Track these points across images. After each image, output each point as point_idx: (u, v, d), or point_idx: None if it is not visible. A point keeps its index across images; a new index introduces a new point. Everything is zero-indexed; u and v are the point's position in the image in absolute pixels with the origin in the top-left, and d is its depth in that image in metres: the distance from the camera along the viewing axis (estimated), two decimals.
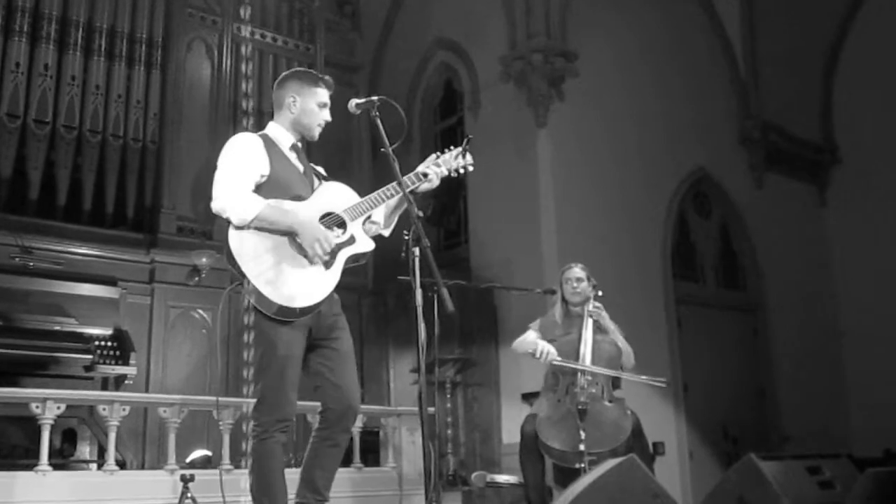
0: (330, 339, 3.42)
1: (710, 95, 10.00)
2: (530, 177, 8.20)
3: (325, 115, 3.55)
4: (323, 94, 3.55)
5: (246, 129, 7.19)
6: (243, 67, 7.47)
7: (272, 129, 3.57)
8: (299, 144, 3.59)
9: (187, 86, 7.23)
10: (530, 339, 5.05)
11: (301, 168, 3.53)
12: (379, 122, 3.39)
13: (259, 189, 3.36)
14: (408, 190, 3.40)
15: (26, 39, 6.47)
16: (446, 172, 3.56)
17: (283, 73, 3.67)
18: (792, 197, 10.85)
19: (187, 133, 7.11)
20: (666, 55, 9.40)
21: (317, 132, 3.56)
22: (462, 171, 3.63)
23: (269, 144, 3.47)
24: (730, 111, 10.28)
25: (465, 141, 3.64)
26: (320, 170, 3.69)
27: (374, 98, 3.44)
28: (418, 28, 9.85)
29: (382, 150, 3.32)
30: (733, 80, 10.32)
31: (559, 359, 4.85)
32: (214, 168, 3.40)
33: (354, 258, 3.42)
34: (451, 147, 3.66)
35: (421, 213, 3.44)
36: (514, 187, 8.29)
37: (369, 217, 3.53)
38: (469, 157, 3.63)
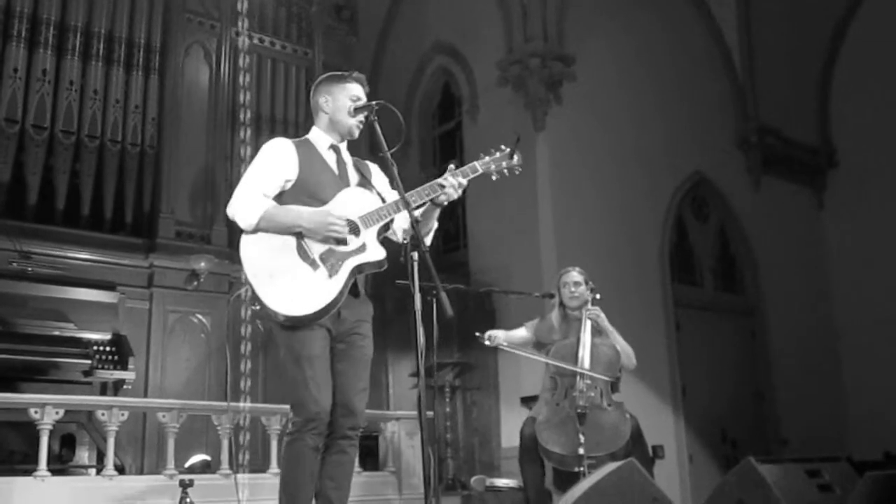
0: (345, 344, 3.41)
1: (708, 99, 10.02)
2: (528, 180, 8.20)
3: None
4: (354, 88, 3.55)
5: (243, 135, 7.21)
6: (241, 72, 7.46)
7: (312, 132, 3.61)
8: (340, 145, 3.58)
9: (185, 90, 7.22)
10: (516, 336, 5.14)
11: (337, 171, 3.52)
12: (377, 126, 3.38)
13: (285, 193, 3.39)
14: (427, 200, 3.37)
15: (24, 45, 6.46)
16: (465, 183, 3.44)
17: (315, 81, 3.69)
18: (789, 200, 10.87)
19: (185, 137, 7.10)
20: (663, 59, 9.42)
21: (356, 131, 3.55)
22: (507, 173, 3.56)
23: (305, 148, 3.49)
24: (727, 115, 10.31)
25: (516, 140, 3.57)
26: (372, 168, 3.68)
27: (373, 103, 3.44)
28: (416, 32, 9.86)
29: (381, 154, 3.31)
30: (731, 84, 10.35)
31: (505, 343, 5.00)
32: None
33: (369, 266, 3.37)
34: (503, 147, 3.58)
35: (420, 218, 3.45)
36: (512, 191, 8.28)
37: (391, 223, 3.49)
38: (518, 158, 3.56)
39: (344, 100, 3.53)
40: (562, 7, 8.52)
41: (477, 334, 5.07)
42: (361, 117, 3.52)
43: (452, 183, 3.40)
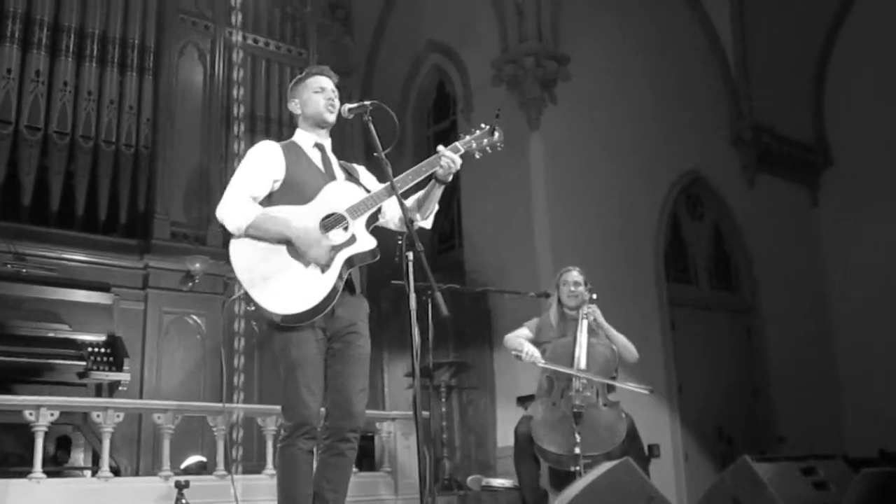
0: (341, 343, 3.41)
1: (702, 97, 10.03)
2: (523, 180, 8.21)
3: (328, 96, 3.58)
4: (315, 81, 3.60)
5: (238, 134, 7.21)
6: (236, 72, 7.45)
7: (296, 134, 3.66)
8: (324, 143, 3.63)
9: (180, 91, 7.21)
10: (521, 337, 5.09)
11: (322, 168, 3.55)
12: (371, 126, 3.38)
13: (274, 193, 3.42)
14: (424, 176, 3.45)
15: (18, 45, 6.44)
16: (459, 158, 3.50)
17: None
18: (784, 198, 10.89)
19: (180, 138, 7.09)
20: (658, 57, 9.42)
21: (328, 115, 3.58)
22: (490, 150, 3.60)
23: (291, 149, 3.53)
24: (722, 113, 10.32)
25: (496, 116, 3.59)
26: (359, 169, 3.72)
27: (367, 102, 3.44)
28: (410, 31, 9.85)
29: (375, 154, 3.32)
30: (725, 82, 10.36)
31: (542, 361, 4.89)
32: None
33: (360, 257, 3.39)
34: (483, 125, 3.62)
35: (418, 216, 3.47)
36: (507, 190, 8.29)
37: (378, 212, 3.52)
38: (498, 135, 3.59)
39: (308, 93, 3.59)
40: (556, 6, 8.52)
41: (516, 350, 4.99)
42: (326, 102, 3.55)
43: (451, 156, 3.46)
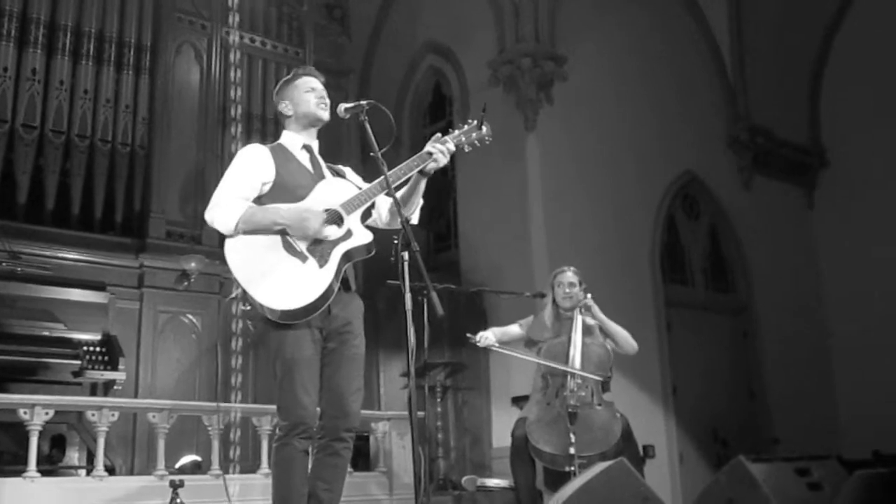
0: (337, 342, 3.40)
1: (699, 98, 10.05)
2: (520, 180, 8.22)
3: (319, 95, 3.56)
4: (305, 82, 3.58)
5: (234, 134, 7.20)
6: (232, 72, 7.44)
7: (283, 136, 3.62)
8: (312, 144, 3.61)
9: (176, 90, 7.20)
10: (507, 332, 5.16)
11: (311, 169, 3.54)
12: (367, 126, 3.38)
13: (264, 196, 3.40)
14: (416, 171, 3.43)
15: (14, 43, 6.43)
16: (454, 148, 3.51)
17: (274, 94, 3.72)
18: (780, 199, 10.91)
19: (176, 137, 7.08)
20: (655, 59, 9.44)
21: (321, 113, 3.56)
22: (478, 143, 3.61)
23: (279, 151, 3.51)
24: (718, 114, 10.34)
25: (482, 110, 3.60)
26: (346, 170, 3.71)
27: (363, 102, 3.43)
28: (407, 32, 9.86)
29: (371, 154, 3.32)
30: (721, 84, 10.38)
31: (497, 345, 5.01)
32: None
33: (357, 251, 3.38)
34: (470, 120, 3.63)
35: (410, 218, 3.47)
36: (504, 191, 8.30)
37: (372, 207, 3.52)
38: (486, 129, 3.60)
39: (299, 93, 3.56)
40: (553, 7, 8.53)
41: (468, 336, 5.07)
42: (317, 101, 3.54)
43: (441, 149, 3.45)
